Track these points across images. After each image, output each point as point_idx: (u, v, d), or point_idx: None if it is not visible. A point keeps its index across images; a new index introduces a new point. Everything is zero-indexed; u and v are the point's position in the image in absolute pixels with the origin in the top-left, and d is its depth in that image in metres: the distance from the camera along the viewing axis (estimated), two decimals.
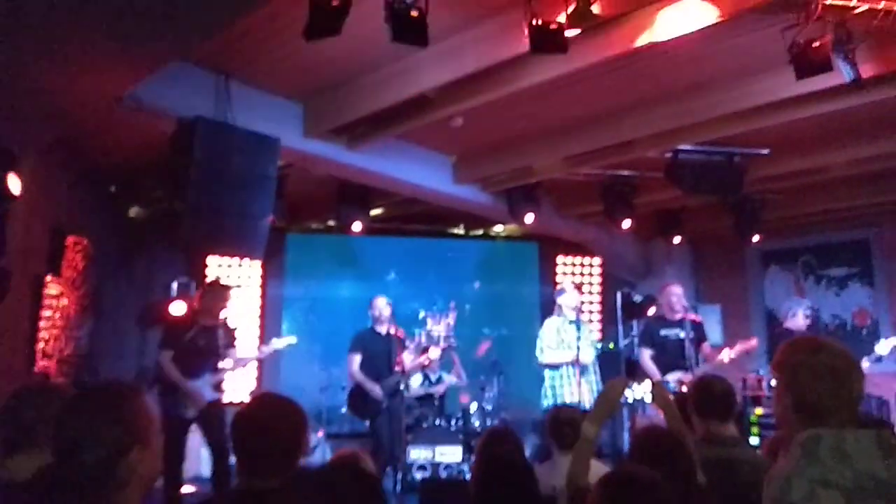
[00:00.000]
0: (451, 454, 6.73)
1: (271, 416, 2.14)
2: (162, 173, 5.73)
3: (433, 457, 6.69)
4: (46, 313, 5.53)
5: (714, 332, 8.69)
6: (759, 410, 6.99)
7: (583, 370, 6.21)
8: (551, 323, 6.50)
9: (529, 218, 7.53)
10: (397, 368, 6.42)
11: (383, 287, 8.13)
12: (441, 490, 5.45)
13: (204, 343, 5.58)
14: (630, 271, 9.85)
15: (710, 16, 4.02)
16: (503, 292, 9.60)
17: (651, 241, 9.65)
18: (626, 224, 7.61)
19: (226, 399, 5.89)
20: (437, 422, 7.22)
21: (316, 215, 8.73)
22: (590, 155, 6.58)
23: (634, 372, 7.13)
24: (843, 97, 5.03)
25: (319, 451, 7.40)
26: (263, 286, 8.79)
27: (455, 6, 4.26)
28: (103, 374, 6.82)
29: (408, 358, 6.64)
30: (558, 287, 7.07)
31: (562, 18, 3.82)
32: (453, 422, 7.29)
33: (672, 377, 6.27)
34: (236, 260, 8.36)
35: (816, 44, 4.05)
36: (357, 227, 7.55)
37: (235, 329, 5.99)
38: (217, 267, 8.42)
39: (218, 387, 5.65)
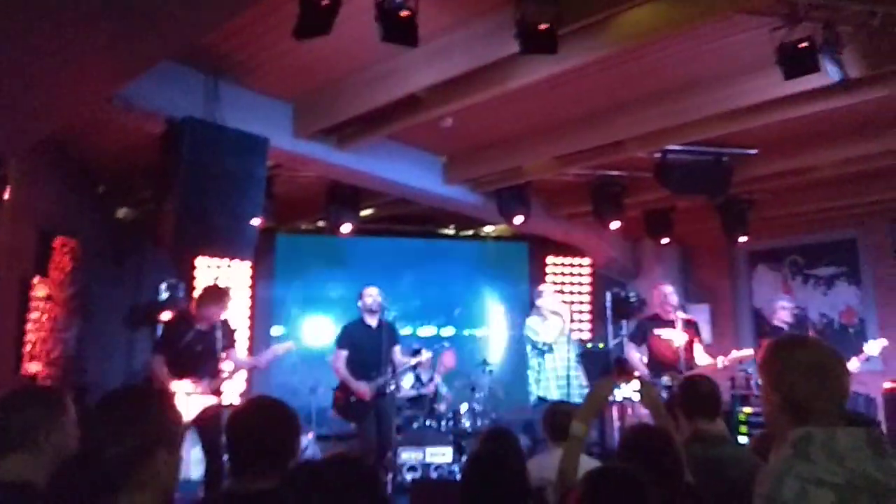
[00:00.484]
0: (441, 455, 6.72)
1: (263, 419, 2.16)
2: (151, 174, 5.69)
3: (424, 458, 6.67)
4: (34, 315, 5.49)
5: (702, 333, 8.71)
6: (747, 409, 7.06)
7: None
8: (532, 319, 6.87)
9: (519, 219, 7.55)
10: (387, 368, 6.27)
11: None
12: (431, 491, 5.44)
13: (201, 347, 5.41)
14: (620, 271, 9.90)
15: (697, 15, 4.05)
16: (493, 292, 9.62)
17: (640, 242, 9.70)
18: (615, 225, 7.65)
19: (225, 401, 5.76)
20: (428, 423, 7.22)
21: (305, 216, 8.71)
22: (579, 155, 6.61)
23: (624, 371, 7.17)
24: (831, 97, 5.07)
25: (310, 452, 7.37)
26: (253, 287, 8.77)
27: (445, 6, 4.27)
28: (91, 376, 6.78)
29: (399, 355, 6.50)
30: (538, 289, 7.18)
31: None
32: (444, 423, 7.30)
33: (663, 377, 6.31)
34: (225, 261, 8.33)
35: (804, 44, 4.08)
36: (346, 228, 7.54)
37: (235, 330, 5.81)
38: (206, 268, 8.39)
39: (216, 391, 5.48)
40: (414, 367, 7.24)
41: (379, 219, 8.64)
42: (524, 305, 9.35)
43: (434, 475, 6.61)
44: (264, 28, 4.42)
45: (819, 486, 1.59)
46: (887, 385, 7.07)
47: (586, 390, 6.37)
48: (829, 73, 4.25)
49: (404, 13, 3.68)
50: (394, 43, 3.74)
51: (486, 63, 4.62)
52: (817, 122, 5.92)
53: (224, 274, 8.46)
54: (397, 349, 6.49)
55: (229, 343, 5.62)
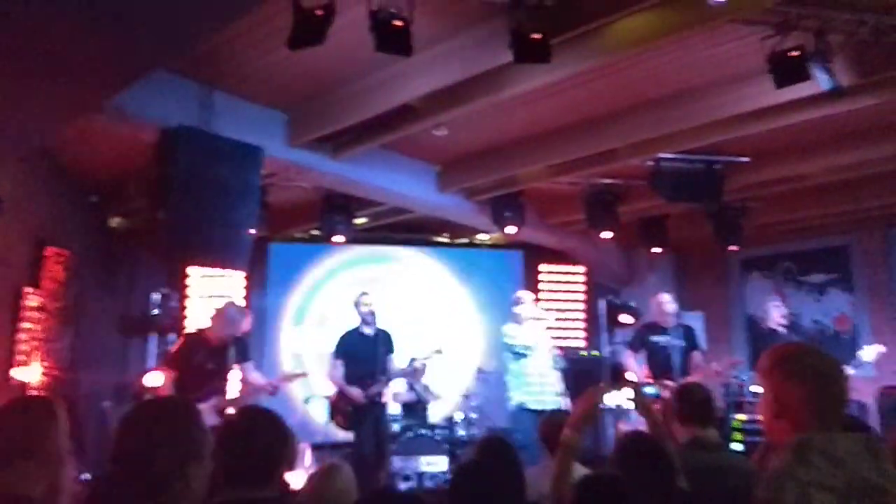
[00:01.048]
0: (436, 464, 6.69)
1: (254, 429, 2.15)
2: (144, 183, 5.67)
3: (418, 467, 6.65)
4: (26, 325, 5.45)
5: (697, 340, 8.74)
6: (741, 416, 7.06)
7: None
8: (508, 325, 6.71)
9: (512, 228, 7.55)
10: (382, 377, 6.21)
11: None
12: (426, 501, 5.41)
13: (213, 366, 5.23)
14: (614, 279, 9.91)
15: (689, 24, 4.08)
16: (487, 300, 9.61)
17: (634, 250, 9.72)
18: (607, 234, 7.67)
19: None
20: (422, 431, 7.19)
21: (300, 224, 8.70)
22: (573, 163, 6.63)
23: (618, 378, 7.16)
24: (822, 106, 5.10)
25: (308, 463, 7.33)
26: (247, 297, 8.73)
27: (438, 16, 4.28)
28: (84, 386, 6.73)
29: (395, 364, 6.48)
30: (515, 296, 7.05)
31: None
32: (438, 431, 7.27)
33: (659, 384, 6.31)
34: (219, 270, 8.29)
35: (795, 53, 4.11)
36: (340, 237, 7.51)
37: (248, 345, 5.70)
38: (200, 277, 8.34)
39: (221, 412, 5.17)
40: (408, 375, 7.22)
41: (373, 227, 8.64)
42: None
43: (429, 484, 6.59)
44: (258, 37, 4.43)
45: (820, 490, 1.61)
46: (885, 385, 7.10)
47: (563, 398, 6.34)
48: (820, 81, 4.28)
49: (398, 23, 3.69)
50: (388, 52, 3.75)
51: (479, 72, 4.65)
52: (809, 130, 5.96)
53: (218, 283, 8.42)
54: (393, 357, 6.44)
55: (244, 357, 5.49)
